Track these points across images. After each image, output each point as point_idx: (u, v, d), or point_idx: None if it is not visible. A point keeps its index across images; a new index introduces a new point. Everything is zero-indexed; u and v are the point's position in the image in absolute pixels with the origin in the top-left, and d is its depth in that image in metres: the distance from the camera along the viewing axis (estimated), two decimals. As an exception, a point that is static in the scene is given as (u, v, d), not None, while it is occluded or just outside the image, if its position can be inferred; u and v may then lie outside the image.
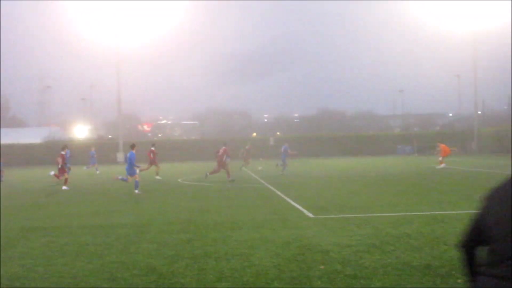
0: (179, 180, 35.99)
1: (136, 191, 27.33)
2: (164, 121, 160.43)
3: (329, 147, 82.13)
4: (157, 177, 38.30)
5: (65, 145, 36.09)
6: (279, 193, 25.30)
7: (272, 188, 28.17)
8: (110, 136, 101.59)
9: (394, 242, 12.45)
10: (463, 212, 17.15)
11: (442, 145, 44.06)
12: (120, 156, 76.16)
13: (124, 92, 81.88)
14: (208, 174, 35.67)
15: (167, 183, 33.98)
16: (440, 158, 43.19)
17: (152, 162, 40.36)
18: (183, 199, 23.76)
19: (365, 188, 27.14)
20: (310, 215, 17.45)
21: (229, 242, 12.93)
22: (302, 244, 12.50)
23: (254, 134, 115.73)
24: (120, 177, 30.27)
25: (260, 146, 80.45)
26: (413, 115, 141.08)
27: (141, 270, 10.49)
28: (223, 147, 35.83)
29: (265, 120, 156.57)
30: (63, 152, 33.37)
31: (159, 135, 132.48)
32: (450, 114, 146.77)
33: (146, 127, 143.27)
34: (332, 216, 17.18)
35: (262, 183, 31.64)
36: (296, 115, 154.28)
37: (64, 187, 31.61)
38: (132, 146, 29.20)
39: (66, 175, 32.63)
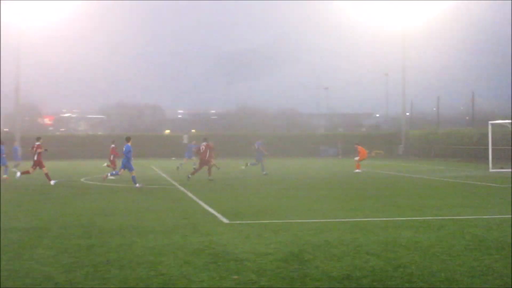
0: (82, 180, 35.45)
1: (137, 185, 29.36)
2: (67, 114, 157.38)
3: (248, 147, 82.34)
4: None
5: (39, 136, 34.95)
6: (191, 195, 25.22)
7: (184, 190, 28.06)
8: (6, 129, 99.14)
9: (314, 250, 12.56)
10: (387, 219, 17.46)
11: (360, 147, 44.68)
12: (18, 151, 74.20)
13: (23, 81, 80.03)
14: (189, 176, 34.83)
15: (68, 183, 33.39)
16: (356, 158, 43.96)
17: (111, 162, 41.08)
18: (85, 201, 23.39)
19: (284, 192, 27.34)
20: (225, 220, 17.44)
21: (134, 249, 12.78)
22: (214, 251, 12.47)
23: (168, 131, 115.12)
24: (109, 174, 31.29)
25: (173, 144, 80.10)
26: (338, 115, 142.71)
27: (35, 279, 10.25)
28: (204, 143, 35.44)
29: (180, 116, 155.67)
30: (38, 143, 32.52)
31: (62, 129, 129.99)
32: (377, 115, 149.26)
33: (47, 120, 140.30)
34: (249, 221, 17.21)
35: (173, 185, 31.47)
36: (213, 111, 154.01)
37: (52, 182, 31.16)
38: (128, 139, 30.88)
39: (45, 170, 31.97)
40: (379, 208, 20.53)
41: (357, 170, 42.55)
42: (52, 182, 31.13)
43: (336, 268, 10.88)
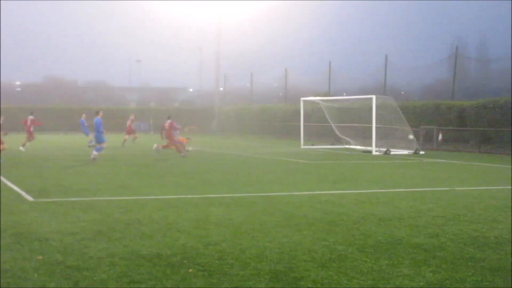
0: None
1: (95, 152, 30.95)
2: None
3: (57, 121, 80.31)
4: (21, 148, 38.07)
5: None
6: (-7, 172, 24.37)
7: (-15, 166, 27.04)
8: None
9: (123, 229, 12.54)
10: (198, 196, 17.72)
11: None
12: None
13: None
14: (159, 147, 35.96)
15: None
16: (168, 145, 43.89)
17: (29, 133, 39.96)
18: None
19: (93, 169, 27.03)
20: (29, 198, 17.03)
21: None
22: (17, 231, 12.15)
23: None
24: (96, 151, 31.68)
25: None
26: (150, 89, 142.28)
27: None
28: (168, 121, 35.52)
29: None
30: None
31: None
32: (191, 89, 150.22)
33: None
34: (55, 199, 16.92)
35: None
36: (18, 83, 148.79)
37: None
38: (98, 112, 32.55)
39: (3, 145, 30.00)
40: (191, 185, 20.79)
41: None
42: None
43: (145, 247, 10.92)
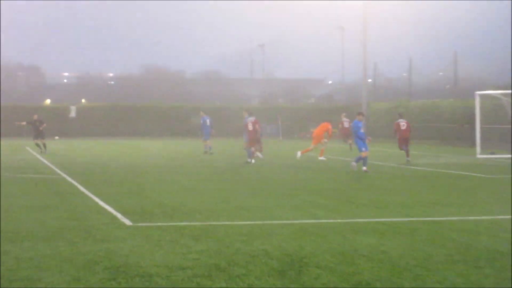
0: None
1: (364, 168, 32.62)
2: None
3: (158, 123, 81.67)
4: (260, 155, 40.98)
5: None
6: (82, 189, 25.00)
7: (72, 181, 27.80)
8: None
9: (247, 263, 12.59)
10: (342, 221, 17.62)
11: (317, 130, 43.29)
12: None
13: None
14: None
15: None
16: (311, 147, 42.53)
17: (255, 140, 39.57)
18: None
19: (205, 184, 27.33)
20: (127, 222, 17.35)
21: (5, 261, 12.61)
22: (113, 264, 12.38)
23: (48, 101, 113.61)
24: (355, 161, 33.85)
25: (56, 119, 79.32)
26: (278, 81, 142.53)
27: None
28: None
29: (65, 80, 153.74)
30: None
31: None
32: (330, 82, 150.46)
33: None
34: (159, 224, 17.17)
35: (58, 174, 31.18)
36: (111, 74, 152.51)
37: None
38: (360, 114, 35.19)
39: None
40: (331, 206, 20.69)
41: (320, 158, 41.57)
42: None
43: (277, 287, 10.93)
